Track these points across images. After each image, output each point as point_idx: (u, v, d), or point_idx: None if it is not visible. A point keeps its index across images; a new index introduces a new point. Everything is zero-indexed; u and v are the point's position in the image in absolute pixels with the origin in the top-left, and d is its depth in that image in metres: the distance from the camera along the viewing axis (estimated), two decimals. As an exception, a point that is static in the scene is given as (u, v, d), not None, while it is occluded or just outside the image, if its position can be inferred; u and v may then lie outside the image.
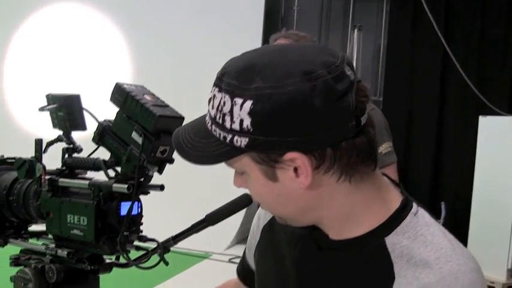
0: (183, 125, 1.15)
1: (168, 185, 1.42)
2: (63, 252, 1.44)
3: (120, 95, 1.37)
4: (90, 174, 1.52)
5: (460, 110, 6.32)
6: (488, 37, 6.21)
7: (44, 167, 1.50)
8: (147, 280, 5.14)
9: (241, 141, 0.97)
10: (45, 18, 8.82)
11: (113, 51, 8.36)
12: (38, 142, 1.53)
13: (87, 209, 1.39)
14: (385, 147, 2.86)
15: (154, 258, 1.41)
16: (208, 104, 1.03)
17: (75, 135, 1.55)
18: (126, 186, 1.33)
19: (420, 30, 6.52)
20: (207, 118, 1.04)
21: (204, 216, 1.38)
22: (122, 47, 8.30)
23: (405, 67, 6.65)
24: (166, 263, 1.39)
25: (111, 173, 1.41)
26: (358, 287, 1.07)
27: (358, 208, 1.06)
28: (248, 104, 0.95)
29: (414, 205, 1.10)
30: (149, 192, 1.41)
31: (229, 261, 6.08)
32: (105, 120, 1.42)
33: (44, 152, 1.54)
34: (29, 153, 1.56)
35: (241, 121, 0.96)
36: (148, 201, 1.44)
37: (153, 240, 1.40)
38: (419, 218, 1.08)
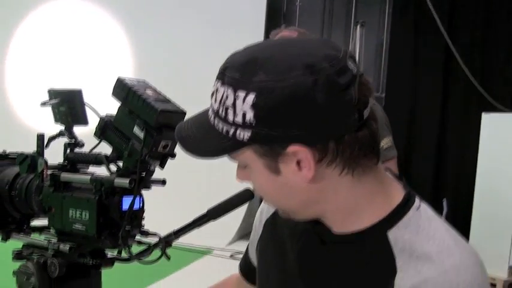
0: (185, 119, 1.15)
1: (169, 180, 1.42)
2: (65, 247, 1.44)
3: (122, 89, 1.37)
4: (91, 169, 1.52)
5: (462, 107, 6.31)
6: (492, 34, 6.20)
7: (45, 162, 1.50)
8: (148, 276, 5.15)
9: (244, 135, 0.97)
10: (46, 14, 8.84)
11: (114, 46, 8.37)
12: (40, 137, 1.53)
13: (89, 203, 1.39)
14: (385, 142, 2.88)
15: (156, 253, 1.41)
16: (211, 98, 1.03)
17: (77, 130, 1.55)
18: (127, 181, 1.33)
19: (423, 26, 6.51)
20: (210, 112, 1.04)
21: (205, 211, 1.38)
22: (123, 42, 8.31)
23: (408, 63, 6.64)
24: (168, 258, 1.39)
25: (113, 167, 1.41)
26: (360, 281, 1.07)
27: (361, 202, 1.07)
28: (251, 97, 0.95)
29: (417, 199, 1.10)
30: (151, 187, 1.41)
31: (231, 257, 6.09)
32: (106, 115, 1.42)
33: (46, 147, 1.54)
34: (30, 148, 1.56)
35: (244, 114, 0.96)
36: (150, 196, 1.44)
37: (154, 234, 1.41)
38: (422, 212, 1.08)
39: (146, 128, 1.32)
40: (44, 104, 1.55)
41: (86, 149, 1.52)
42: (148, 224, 1.44)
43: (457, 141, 6.33)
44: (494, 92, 5.93)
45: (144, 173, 1.37)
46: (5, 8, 9.04)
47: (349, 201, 1.06)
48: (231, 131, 0.99)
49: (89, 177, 1.42)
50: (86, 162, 1.49)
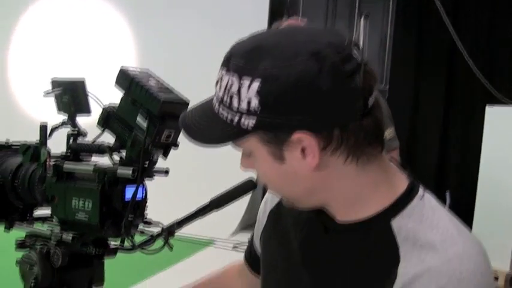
0: (188, 108, 1.15)
1: (172, 170, 1.42)
2: (68, 236, 1.44)
3: (125, 79, 1.37)
4: (94, 158, 1.52)
5: (466, 99, 6.30)
6: (497, 26, 6.18)
7: (48, 152, 1.50)
8: (150, 267, 5.15)
9: (248, 122, 0.98)
10: (49, 4, 8.82)
11: (117, 36, 8.35)
12: (43, 128, 1.53)
13: (92, 193, 1.39)
14: (389, 133, 2.90)
15: (159, 243, 1.42)
16: (216, 86, 1.03)
17: (80, 121, 1.55)
18: (130, 170, 1.33)
19: (427, 18, 6.49)
20: (214, 101, 1.04)
21: (208, 201, 1.38)
22: (126, 32, 8.29)
23: (412, 55, 6.63)
24: (171, 248, 1.39)
25: (116, 157, 1.41)
26: (363, 270, 1.07)
27: (365, 190, 1.07)
28: (256, 84, 0.95)
29: (420, 189, 1.10)
30: (154, 177, 1.41)
31: (234, 248, 6.09)
32: (109, 106, 1.42)
33: (49, 136, 1.54)
34: (33, 138, 1.56)
35: (249, 101, 0.96)
36: (153, 186, 1.44)
37: (158, 223, 1.41)
38: (426, 201, 1.08)
39: (149, 118, 1.32)
40: (47, 93, 1.55)
41: (88, 139, 1.52)
42: (151, 214, 1.44)
43: (461, 134, 6.32)
44: (498, 84, 5.91)
45: (147, 163, 1.37)
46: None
47: (353, 190, 1.06)
48: (236, 119, 0.99)
49: (91, 167, 1.42)
50: (89, 151, 1.49)
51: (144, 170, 1.36)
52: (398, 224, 1.05)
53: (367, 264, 1.07)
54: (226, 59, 1.02)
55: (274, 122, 0.97)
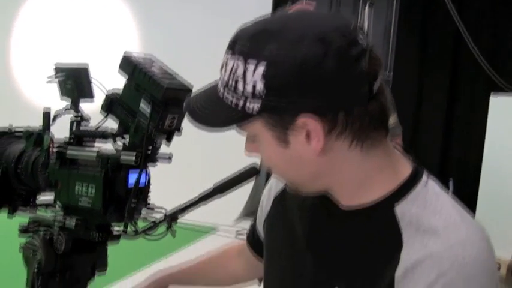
0: (193, 93, 1.15)
1: (176, 156, 1.42)
2: (71, 222, 1.44)
3: (128, 65, 1.36)
4: (97, 145, 1.52)
5: (471, 88, 6.27)
6: (502, 14, 6.15)
7: (51, 138, 1.50)
8: (153, 253, 5.17)
9: (253, 106, 0.98)
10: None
11: (121, 21, 8.34)
12: (46, 114, 1.53)
13: (95, 179, 1.39)
14: (392, 119, 2.90)
15: (162, 229, 1.42)
16: (221, 70, 1.03)
17: (83, 107, 1.55)
18: (133, 156, 1.33)
19: (432, 6, 6.46)
20: (219, 85, 1.04)
21: (211, 187, 1.38)
22: (130, 17, 8.28)
23: (416, 43, 6.61)
24: (174, 233, 1.39)
25: (119, 143, 1.41)
26: (367, 255, 1.07)
27: (369, 175, 1.07)
28: (261, 67, 0.95)
29: (424, 175, 1.10)
30: (157, 163, 1.41)
31: (237, 235, 6.11)
32: (113, 93, 1.41)
33: (52, 122, 1.54)
34: (36, 124, 1.57)
35: (254, 85, 0.96)
36: (156, 172, 1.44)
37: (161, 208, 1.41)
38: (429, 187, 1.08)
39: (153, 103, 1.31)
40: (50, 79, 1.54)
41: (92, 125, 1.52)
42: (154, 199, 1.44)
43: (465, 123, 6.31)
44: (503, 73, 5.89)
45: (151, 148, 1.37)
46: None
47: (357, 175, 1.06)
48: (241, 103, 0.99)
49: (95, 153, 1.42)
50: (93, 137, 1.49)
51: (147, 156, 1.36)
52: (401, 209, 1.05)
53: (371, 249, 1.07)
54: (232, 43, 1.01)
55: (279, 106, 0.97)
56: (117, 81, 1.40)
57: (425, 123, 6.58)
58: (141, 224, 1.43)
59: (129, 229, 1.42)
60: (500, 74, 5.80)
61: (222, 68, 1.03)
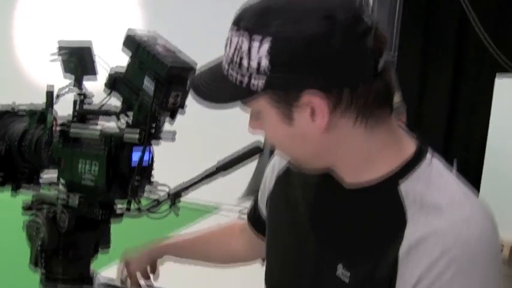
0: (197, 70, 1.15)
1: (179, 134, 1.42)
2: (74, 200, 1.44)
3: (132, 43, 1.36)
4: (101, 123, 1.51)
5: (476, 69, 6.24)
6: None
7: (54, 117, 1.50)
8: (155, 232, 5.17)
9: (258, 83, 0.97)
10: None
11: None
12: (49, 92, 1.52)
13: (99, 157, 1.39)
14: (396, 98, 2.90)
15: (165, 208, 1.42)
16: (225, 47, 1.03)
17: (87, 86, 1.54)
18: (137, 134, 1.33)
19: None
20: (223, 62, 1.04)
21: (215, 165, 1.38)
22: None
23: (421, 23, 6.56)
24: (177, 211, 1.40)
25: (123, 121, 1.40)
26: (370, 232, 1.07)
27: (373, 153, 1.06)
28: (266, 43, 0.95)
29: (429, 153, 1.10)
30: (160, 141, 1.40)
31: (239, 215, 6.11)
32: (116, 71, 1.41)
33: (55, 100, 1.53)
34: (40, 102, 1.56)
35: (259, 61, 0.96)
36: (160, 150, 1.44)
37: (164, 185, 1.41)
38: (434, 165, 1.08)
39: (156, 81, 1.31)
40: (53, 57, 1.54)
41: (95, 104, 1.51)
42: (157, 178, 1.44)
43: (469, 103, 6.28)
44: (509, 54, 5.85)
45: (154, 126, 1.37)
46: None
47: (361, 152, 1.06)
48: (245, 80, 0.99)
49: (98, 131, 1.42)
50: (96, 115, 1.48)
51: (150, 134, 1.35)
52: (406, 187, 1.05)
53: (375, 227, 1.07)
54: (237, 19, 1.01)
55: (284, 82, 0.96)
56: (121, 59, 1.39)
57: (430, 103, 6.55)
58: (144, 203, 1.43)
59: (132, 207, 1.42)
60: (506, 55, 5.77)
61: (226, 44, 1.02)
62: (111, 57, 1.50)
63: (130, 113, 1.38)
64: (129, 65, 1.38)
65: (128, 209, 1.42)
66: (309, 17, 0.94)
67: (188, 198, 1.47)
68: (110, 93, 1.40)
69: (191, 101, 1.27)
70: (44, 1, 8.78)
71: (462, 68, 6.36)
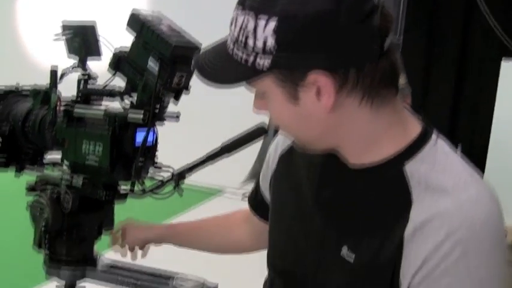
0: (201, 50, 1.14)
1: (183, 115, 1.41)
2: (78, 181, 1.44)
3: (136, 23, 1.35)
4: (105, 104, 1.51)
5: (482, 52, 6.20)
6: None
7: (58, 97, 1.49)
8: (158, 214, 5.17)
9: (263, 62, 0.97)
10: None
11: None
12: (53, 72, 1.51)
13: (103, 138, 1.38)
14: (401, 80, 2.90)
15: (169, 189, 1.41)
16: (230, 27, 1.02)
17: (91, 66, 1.54)
18: (141, 115, 1.32)
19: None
20: (228, 41, 1.03)
21: (219, 146, 1.38)
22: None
23: (427, 6, 6.52)
24: (181, 192, 1.39)
25: (127, 101, 1.40)
26: (375, 213, 1.07)
27: (379, 133, 1.06)
28: (272, 22, 0.94)
29: (434, 134, 1.09)
30: (165, 121, 1.40)
31: (243, 198, 6.12)
32: (120, 51, 1.40)
33: (59, 80, 1.53)
34: (44, 83, 1.55)
35: (265, 40, 0.95)
36: (164, 131, 1.43)
37: (168, 167, 1.41)
38: (439, 146, 1.07)
39: (161, 61, 1.30)
40: (57, 37, 1.53)
41: (99, 84, 1.51)
42: (161, 159, 1.44)
43: (475, 87, 6.25)
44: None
45: (158, 107, 1.36)
46: None
47: (366, 132, 1.06)
48: (251, 59, 0.98)
49: (102, 111, 1.41)
50: (100, 95, 1.48)
51: (155, 114, 1.35)
52: (411, 168, 1.05)
53: (380, 208, 1.07)
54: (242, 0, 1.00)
55: (290, 62, 0.96)
56: (125, 39, 1.39)
57: (435, 87, 6.52)
58: (148, 184, 1.42)
59: (136, 188, 1.41)
60: (512, 40, 5.74)
61: (231, 24, 1.02)
62: (115, 38, 1.49)
63: (135, 94, 1.37)
64: (133, 45, 1.37)
65: (132, 190, 1.42)
66: None
67: (192, 180, 1.47)
68: (115, 73, 1.39)
69: (195, 82, 1.26)
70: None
71: (468, 52, 6.32)
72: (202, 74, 1.05)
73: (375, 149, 1.07)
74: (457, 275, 0.97)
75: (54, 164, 1.59)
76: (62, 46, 1.54)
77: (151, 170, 1.42)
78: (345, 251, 1.10)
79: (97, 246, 1.58)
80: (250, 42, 0.97)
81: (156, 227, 1.69)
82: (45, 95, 1.54)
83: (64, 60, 1.54)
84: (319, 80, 0.97)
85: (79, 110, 1.46)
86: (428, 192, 1.01)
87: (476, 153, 5.77)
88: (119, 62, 1.38)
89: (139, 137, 1.36)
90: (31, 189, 1.55)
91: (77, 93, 1.49)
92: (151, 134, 1.37)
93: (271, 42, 0.95)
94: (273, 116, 1.08)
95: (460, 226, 0.96)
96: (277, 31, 0.94)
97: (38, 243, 1.51)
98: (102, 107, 1.46)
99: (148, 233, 1.65)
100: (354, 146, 1.08)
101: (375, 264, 1.05)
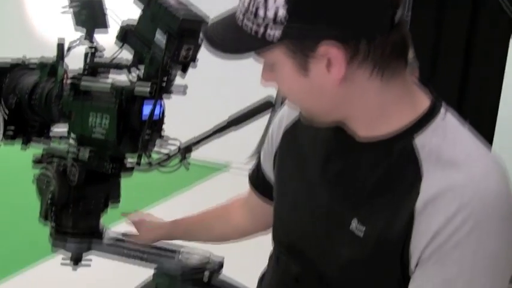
0: (209, 22, 1.13)
1: (191, 88, 1.40)
2: (84, 154, 1.44)
3: None
4: (111, 77, 1.50)
5: (491, 29, 6.16)
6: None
7: (65, 70, 1.49)
8: (165, 189, 5.20)
9: (274, 33, 0.96)
10: None
11: None
12: (60, 45, 1.51)
13: (109, 110, 1.38)
14: (410, 54, 2.90)
15: (175, 163, 1.41)
16: None
17: (98, 40, 1.53)
18: (148, 87, 1.32)
19: None
20: (238, 13, 1.02)
21: (226, 119, 1.38)
22: None
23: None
24: (188, 166, 1.39)
25: (134, 74, 1.39)
26: (385, 187, 1.06)
27: (388, 106, 1.06)
28: None
29: (443, 107, 1.09)
30: (172, 94, 1.39)
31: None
32: (128, 24, 1.39)
33: (66, 53, 1.52)
34: (51, 56, 1.55)
35: (276, 11, 0.95)
36: (171, 104, 1.43)
37: (175, 140, 1.40)
38: (448, 120, 1.07)
39: (168, 34, 1.29)
40: (64, 9, 1.52)
41: (106, 57, 1.50)
42: (168, 132, 1.43)
43: (483, 64, 6.22)
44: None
45: (165, 80, 1.35)
46: None
47: (376, 105, 1.05)
48: (261, 30, 0.97)
49: (109, 84, 1.40)
50: (107, 68, 1.47)
51: (162, 87, 1.34)
52: (421, 141, 1.04)
53: (389, 181, 1.06)
54: None
55: (301, 33, 0.95)
56: (132, 12, 1.38)
57: (443, 64, 6.49)
58: (154, 157, 1.42)
59: (142, 161, 1.41)
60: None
61: None
62: (123, 11, 1.48)
63: (142, 67, 1.37)
64: (140, 18, 1.36)
65: (138, 163, 1.42)
66: None
67: (199, 155, 1.46)
68: (122, 46, 1.38)
69: (203, 55, 1.25)
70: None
71: (476, 29, 6.27)
72: (211, 45, 1.04)
73: (384, 121, 1.06)
74: (468, 248, 0.97)
75: (60, 136, 1.59)
76: (69, 19, 1.53)
77: (158, 142, 1.41)
78: (354, 224, 1.09)
79: (103, 220, 1.59)
80: (261, 12, 0.96)
81: (163, 225, 1.68)
82: (52, 68, 1.54)
83: (71, 33, 1.53)
84: (330, 51, 0.96)
85: (86, 83, 1.45)
86: (439, 165, 1.01)
87: (484, 130, 5.73)
88: (126, 35, 1.38)
89: (146, 109, 1.36)
90: (37, 161, 1.55)
91: (84, 66, 1.49)
92: (158, 107, 1.36)
93: (282, 12, 0.94)
94: (282, 87, 1.08)
95: (472, 199, 0.96)
96: (288, 1, 0.93)
97: (44, 216, 1.51)
98: (109, 80, 1.45)
99: (158, 233, 1.64)
100: (364, 118, 1.08)
101: (386, 237, 1.05)
